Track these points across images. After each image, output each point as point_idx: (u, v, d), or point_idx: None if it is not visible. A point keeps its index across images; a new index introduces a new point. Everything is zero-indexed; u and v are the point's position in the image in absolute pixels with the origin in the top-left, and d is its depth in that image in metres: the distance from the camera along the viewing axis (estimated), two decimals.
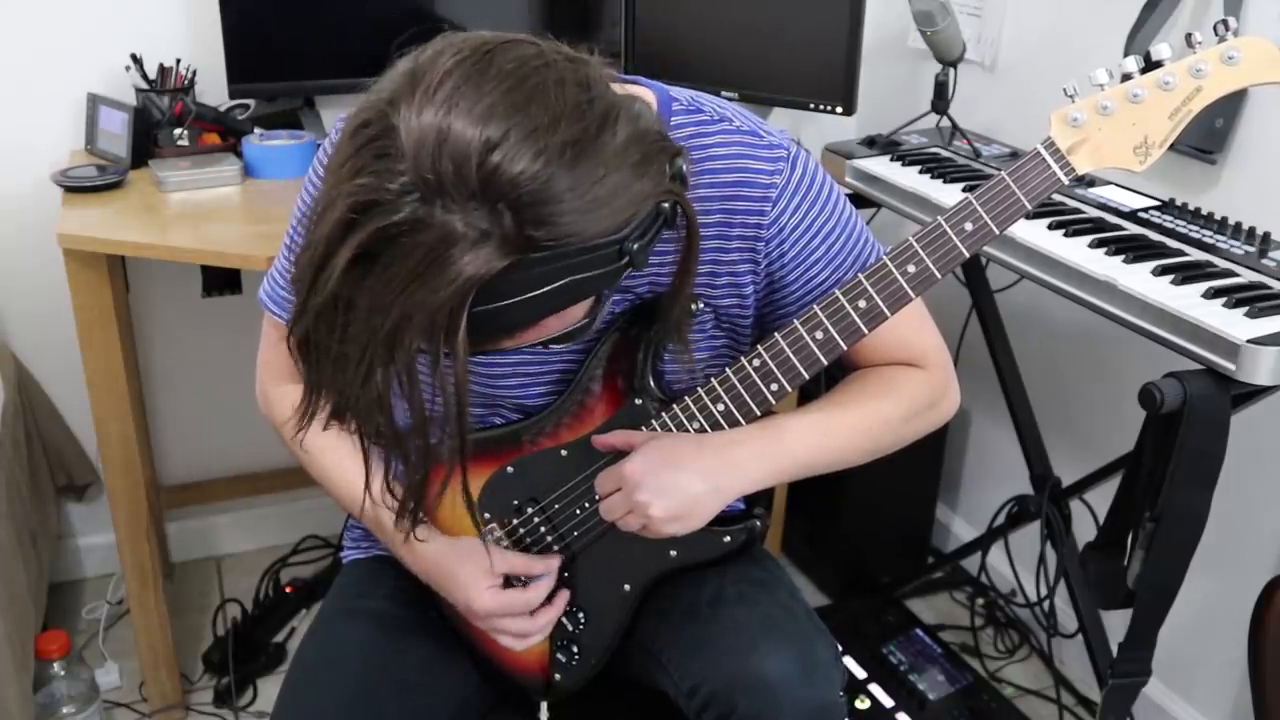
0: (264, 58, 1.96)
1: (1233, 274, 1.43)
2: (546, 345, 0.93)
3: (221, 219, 1.78)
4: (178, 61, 1.98)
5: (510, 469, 1.15)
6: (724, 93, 2.02)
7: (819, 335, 1.03)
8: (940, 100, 1.99)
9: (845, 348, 1.04)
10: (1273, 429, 1.69)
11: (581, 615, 1.18)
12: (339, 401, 0.86)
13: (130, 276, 2.10)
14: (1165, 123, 0.97)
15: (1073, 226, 1.57)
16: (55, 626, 2.07)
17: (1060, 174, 0.99)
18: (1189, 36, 0.96)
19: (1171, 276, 1.41)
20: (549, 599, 1.15)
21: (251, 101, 2.03)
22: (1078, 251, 1.50)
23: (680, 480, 1.02)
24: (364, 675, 1.14)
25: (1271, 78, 0.96)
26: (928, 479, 2.38)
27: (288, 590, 2.26)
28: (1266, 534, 1.76)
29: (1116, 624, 1.58)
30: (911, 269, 1.01)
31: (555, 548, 1.16)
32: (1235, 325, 1.29)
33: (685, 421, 1.08)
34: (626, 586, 1.16)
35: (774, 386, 1.05)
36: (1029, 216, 1.03)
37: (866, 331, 1.03)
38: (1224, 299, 1.34)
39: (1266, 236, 1.53)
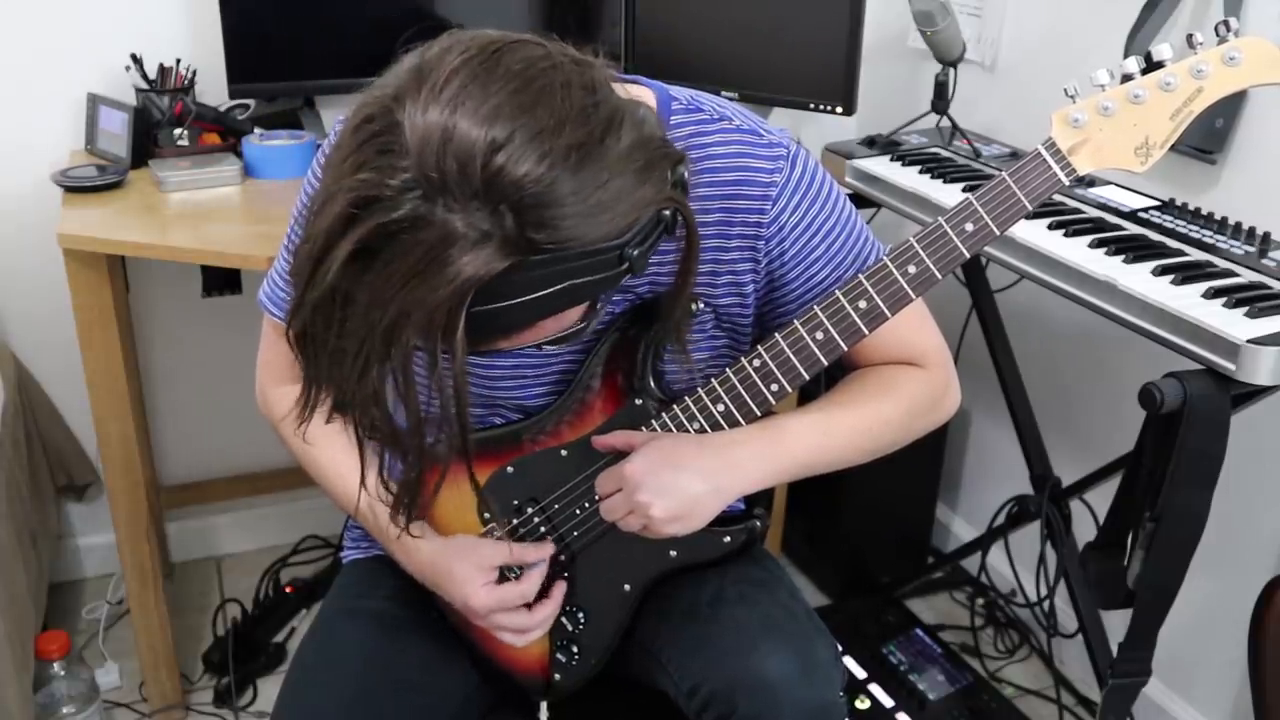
0: (264, 58, 1.96)
1: (1233, 274, 1.43)
2: (541, 347, 0.93)
3: (221, 219, 1.78)
4: (178, 61, 1.98)
5: (510, 469, 1.15)
6: (724, 93, 2.02)
7: (819, 336, 1.03)
8: (940, 100, 1.99)
9: (845, 348, 1.04)
10: (1273, 429, 1.69)
11: (581, 615, 1.18)
12: (337, 396, 0.86)
13: (130, 276, 2.10)
14: (1166, 123, 0.97)
15: (1073, 226, 1.57)
16: (55, 626, 2.07)
17: (1061, 174, 0.99)
18: (1190, 37, 0.96)
19: (1171, 276, 1.41)
20: (546, 592, 1.15)
21: (251, 101, 2.03)
22: (1078, 251, 1.50)
23: (681, 480, 1.02)
24: (364, 675, 1.14)
25: (1272, 78, 0.96)
26: (928, 479, 2.38)
27: (288, 590, 2.26)
28: (1266, 534, 1.76)
29: (1116, 624, 1.58)
30: (912, 269, 1.01)
31: (555, 548, 1.16)
32: (1235, 325, 1.29)
33: (685, 422, 1.08)
34: (626, 586, 1.16)
35: (774, 387, 1.05)
36: (1029, 216, 1.03)
37: (867, 332, 1.03)
38: (1224, 299, 1.34)
39: (1266, 236, 1.53)
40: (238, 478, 2.39)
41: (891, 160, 1.89)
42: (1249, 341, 1.25)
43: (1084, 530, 1.79)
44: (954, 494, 2.48)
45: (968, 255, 1.01)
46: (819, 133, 2.34)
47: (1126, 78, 0.98)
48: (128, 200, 1.81)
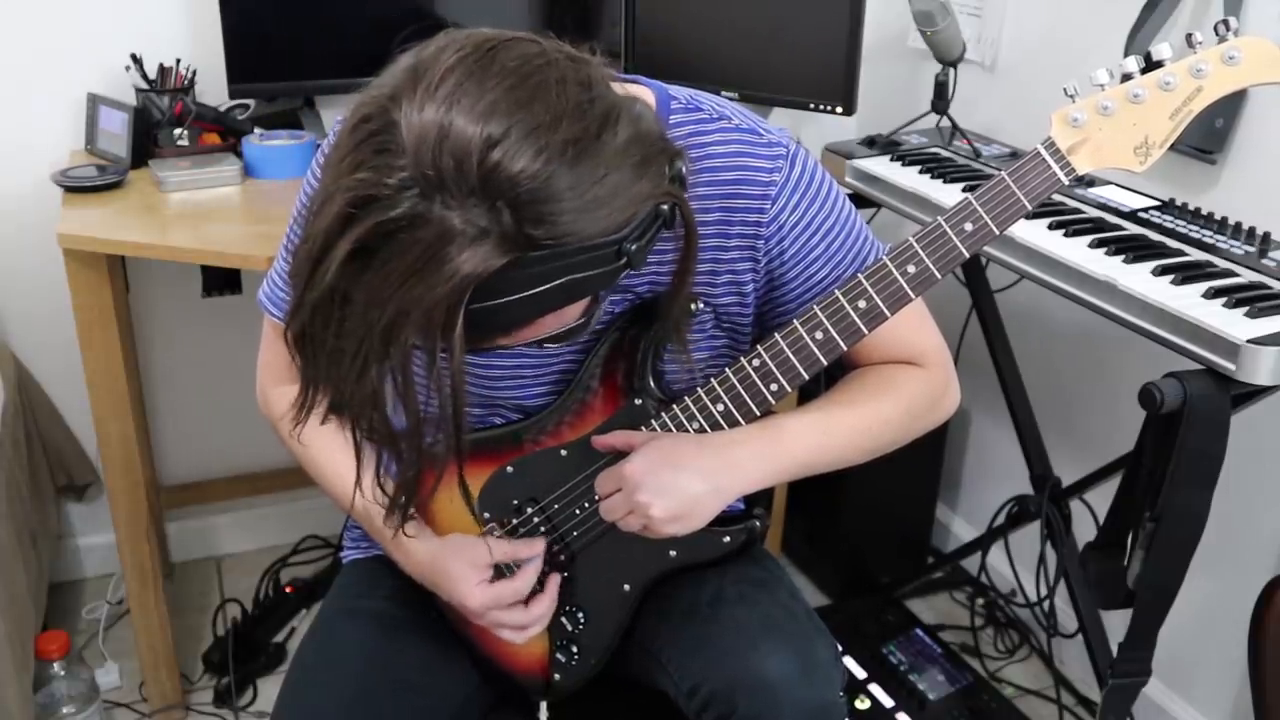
0: (264, 58, 1.96)
1: (1233, 274, 1.43)
2: (542, 345, 0.93)
3: (221, 219, 1.78)
4: (178, 61, 1.98)
5: (510, 469, 1.15)
6: (724, 93, 2.02)
7: (819, 335, 1.03)
8: (940, 100, 1.99)
9: (845, 348, 1.04)
10: (1273, 429, 1.69)
11: (581, 615, 1.18)
12: (335, 397, 0.86)
13: (130, 276, 2.10)
14: (1166, 123, 0.97)
15: (1073, 226, 1.57)
16: (55, 626, 2.07)
17: (1060, 174, 0.99)
18: (1189, 36, 0.96)
19: (1171, 276, 1.41)
20: (542, 586, 1.15)
21: (251, 101, 2.03)
22: (1078, 251, 1.50)
23: (680, 480, 1.02)
24: (364, 675, 1.14)
25: (1272, 78, 0.96)
26: (928, 479, 2.38)
27: (288, 590, 2.26)
28: (1266, 534, 1.76)
29: (1116, 624, 1.58)
30: (911, 269, 1.01)
31: (555, 547, 1.16)
32: (1235, 325, 1.29)
33: (685, 421, 1.08)
34: (626, 586, 1.16)
35: (774, 386, 1.05)
36: (1029, 216, 1.03)
37: (866, 332, 1.03)
38: (1224, 299, 1.34)
39: (1266, 236, 1.53)
40: (238, 478, 2.39)
41: (891, 160, 1.89)
42: (1249, 341, 1.25)
43: (1084, 530, 1.79)
44: (954, 494, 2.48)
45: (967, 255, 1.01)
46: (819, 133, 2.34)
47: (1126, 77, 0.98)
48: (128, 200, 1.81)
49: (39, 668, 1.85)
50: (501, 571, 1.14)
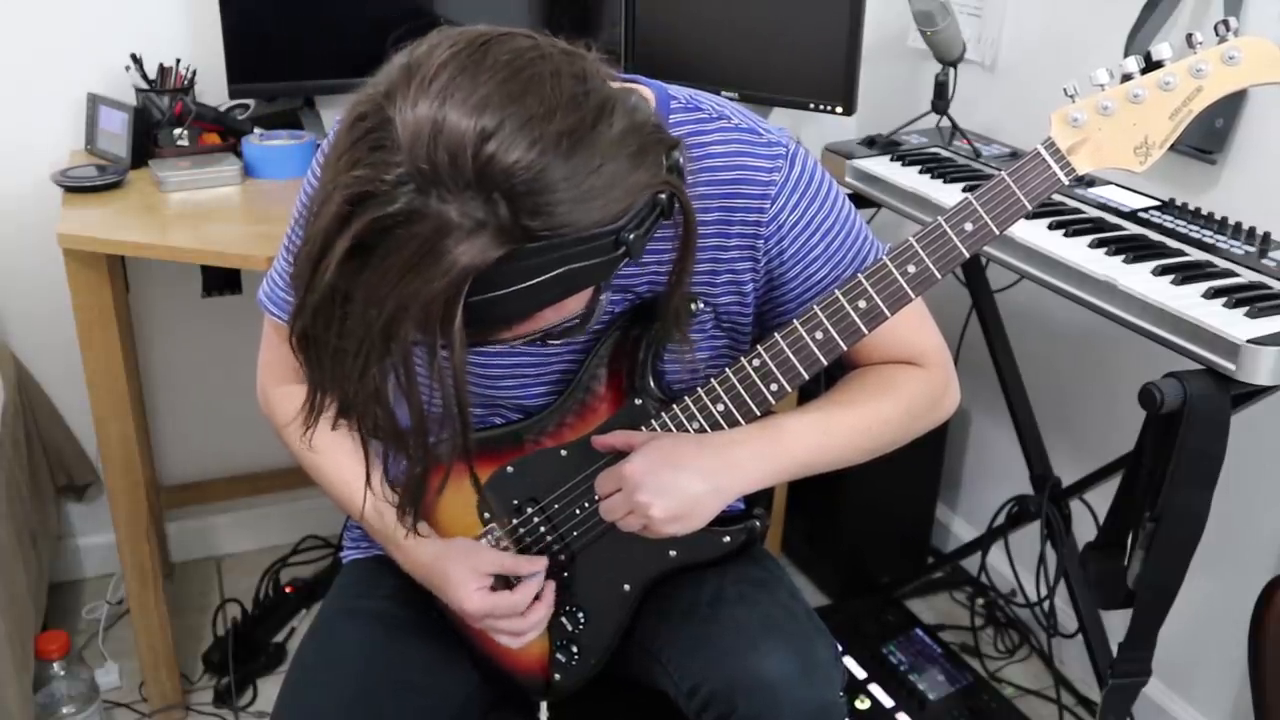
0: (264, 58, 1.96)
1: (1233, 274, 1.43)
2: (544, 341, 0.93)
3: (221, 219, 1.78)
4: (178, 61, 1.98)
5: (510, 469, 1.15)
6: (724, 93, 2.02)
7: (819, 335, 1.03)
8: (940, 100, 1.99)
9: (845, 348, 1.04)
10: (1273, 429, 1.69)
11: (581, 615, 1.18)
12: (340, 398, 0.86)
13: (130, 276, 2.10)
14: (1166, 123, 0.97)
15: (1073, 226, 1.57)
16: (55, 626, 2.07)
17: (1060, 174, 0.99)
18: (1189, 36, 0.96)
19: (1171, 276, 1.41)
20: (540, 594, 1.15)
21: (251, 101, 2.03)
22: (1078, 251, 1.50)
23: (680, 480, 1.02)
24: (364, 675, 1.14)
25: (1272, 78, 0.96)
26: (928, 479, 2.38)
27: (288, 590, 2.26)
28: (1266, 534, 1.76)
29: (1116, 624, 1.58)
30: (911, 269, 1.01)
31: (555, 547, 1.16)
32: (1235, 325, 1.28)
33: (685, 421, 1.08)
34: (626, 586, 1.16)
35: (774, 386, 1.05)
36: (1029, 216, 1.02)
37: (866, 332, 1.03)
38: (1224, 299, 1.34)
39: (1266, 236, 1.53)
40: (238, 478, 2.39)
41: (891, 160, 1.89)
42: (1249, 341, 1.25)
43: (1084, 530, 1.79)
44: (954, 494, 2.48)
45: (967, 255, 1.01)
46: (819, 133, 2.34)
47: (1126, 77, 0.98)
48: (128, 200, 1.81)
49: (39, 668, 1.85)
50: (502, 580, 1.14)
